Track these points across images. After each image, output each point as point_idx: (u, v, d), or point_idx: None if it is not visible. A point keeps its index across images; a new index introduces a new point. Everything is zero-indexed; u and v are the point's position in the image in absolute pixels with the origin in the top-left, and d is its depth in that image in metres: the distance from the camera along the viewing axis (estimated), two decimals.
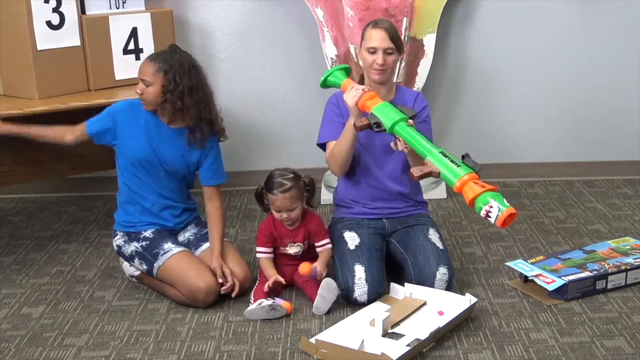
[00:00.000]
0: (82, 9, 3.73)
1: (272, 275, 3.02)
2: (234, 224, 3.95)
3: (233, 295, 3.04)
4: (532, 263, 3.18)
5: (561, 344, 2.74)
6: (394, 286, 3.05)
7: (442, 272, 3.00)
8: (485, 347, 2.73)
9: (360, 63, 3.17)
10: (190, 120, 3.06)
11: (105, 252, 3.61)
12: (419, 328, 2.78)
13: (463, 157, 2.75)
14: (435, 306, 2.94)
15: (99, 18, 3.75)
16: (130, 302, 3.12)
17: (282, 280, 3.02)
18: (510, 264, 3.22)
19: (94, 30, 3.72)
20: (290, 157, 4.29)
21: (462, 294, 2.98)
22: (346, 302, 3.01)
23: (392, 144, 2.92)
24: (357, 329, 2.80)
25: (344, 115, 3.12)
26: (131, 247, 3.12)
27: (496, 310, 2.97)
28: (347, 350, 2.60)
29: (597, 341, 2.75)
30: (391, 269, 3.16)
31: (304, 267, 2.98)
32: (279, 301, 2.95)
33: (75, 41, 3.69)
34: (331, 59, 4.01)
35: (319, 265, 3.03)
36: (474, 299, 2.90)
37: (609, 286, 3.09)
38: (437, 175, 2.74)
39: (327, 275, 3.02)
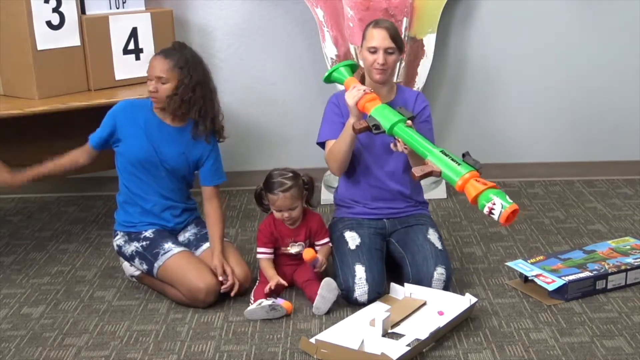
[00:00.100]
0: (82, 9, 3.73)
1: (272, 276, 3.02)
2: (234, 224, 3.95)
3: (232, 294, 3.03)
4: (532, 263, 3.18)
5: (561, 344, 2.74)
6: (394, 286, 3.05)
7: (439, 272, 3.00)
8: (485, 347, 2.73)
9: (361, 63, 3.17)
10: (195, 114, 3.06)
11: (105, 252, 3.61)
12: (419, 328, 2.78)
13: (463, 155, 2.75)
14: (435, 306, 2.94)
15: (99, 18, 3.75)
16: (130, 302, 3.12)
17: (284, 283, 3.02)
18: (510, 264, 3.22)
19: (94, 30, 3.72)
20: (290, 157, 4.29)
21: (462, 294, 2.98)
22: (346, 302, 3.01)
23: (391, 145, 2.92)
24: (357, 329, 2.80)
25: (344, 114, 3.12)
26: (131, 247, 3.12)
27: (496, 310, 2.97)
28: (347, 350, 2.60)
29: (597, 341, 2.75)
30: (391, 269, 3.16)
31: (308, 252, 2.99)
32: (279, 301, 2.95)
33: (75, 41, 3.69)
34: (331, 59, 4.01)
35: (320, 256, 3.04)
36: (474, 299, 2.90)
37: (609, 286, 3.09)
38: (439, 174, 2.74)
39: (327, 275, 3.02)
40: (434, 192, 4.20)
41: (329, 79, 3.17)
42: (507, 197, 2.61)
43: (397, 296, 3.03)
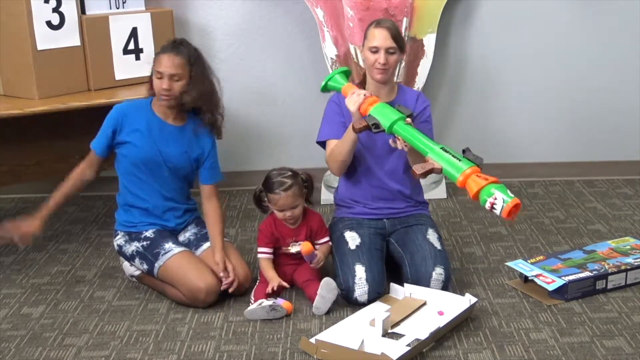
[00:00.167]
0: (82, 9, 3.73)
1: (272, 277, 3.02)
2: (234, 224, 3.95)
3: (230, 290, 3.03)
4: (532, 263, 3.18)
5: (561, 344, 2.74)
6: (394, 286, 3.04)
7: (438, 272, 3.00)
8: (485, 347, 2.73)
9: (362, 63, 3.17)
10: (207, 105, 3.08)
11: (105, 252, 3.61)
12: (419, 328, 2.78)
13: (464, 151, 2.75)
14: (435, 306, 2.94)
15: (99, 18, 3.75)
16: (130, 302, 3.12)
17: (285, 284, 3.02)
18: (510, 264, 3.22)
19: (94, 30, 3.72)
20: (290, 157, 4.29)
21: (462, 294, 2.98)
22: (346, 302, 3.01)
23: (390, 141, 2.91)
24: (357, 329, 2.80)
25: (344, 114, 3.12)
26: (132, 247, 3.12)
27: (496, 310, 2.97)
28: (347, 350, 2.60)
29: (597, 341, 2.75)
30: (391, 269, 3.16)
31: (306, 245, 2.99)
32: (279, 301, 2.95)
33: (75, 41, 3.69)
34: (331, 59, 4.01)
35: (319, 253, 3.04)
36: (474, 299, 2.90)
37: (609, 286, 3.09)
38: (439, 171, 2.73)
39: (327, 275, 3.02)
40: (434, 192, 4.20)
41: (325, 89, 3.16)
42: (509, 192, 2.60)
43: (397, 296, 3.03)
